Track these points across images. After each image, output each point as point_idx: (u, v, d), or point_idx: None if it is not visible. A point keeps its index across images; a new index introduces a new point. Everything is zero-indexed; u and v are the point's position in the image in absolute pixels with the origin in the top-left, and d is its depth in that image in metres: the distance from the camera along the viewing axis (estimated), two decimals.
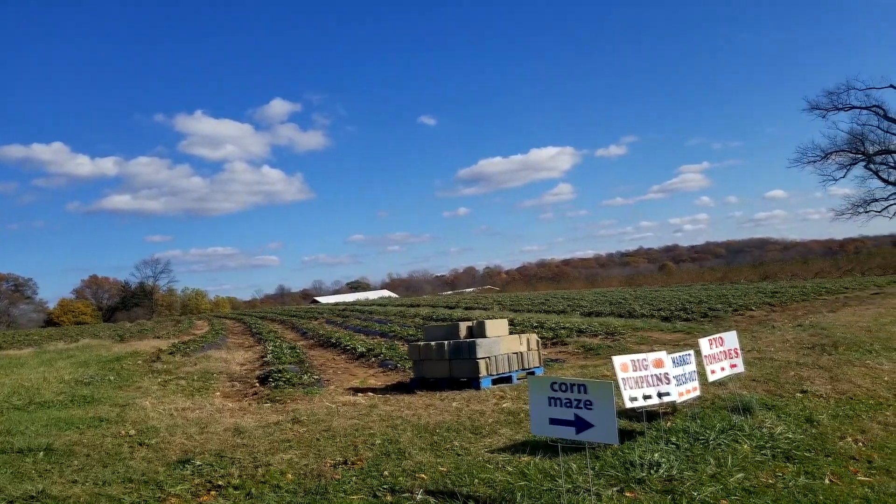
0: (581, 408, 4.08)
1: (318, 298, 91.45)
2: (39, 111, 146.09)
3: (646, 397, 5.18)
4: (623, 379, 5.11)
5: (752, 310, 18.77)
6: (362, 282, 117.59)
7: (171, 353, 16.76)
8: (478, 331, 9.29)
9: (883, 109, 45.51)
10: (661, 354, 5.43)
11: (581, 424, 4.09)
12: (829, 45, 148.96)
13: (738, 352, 6.25)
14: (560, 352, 13.23)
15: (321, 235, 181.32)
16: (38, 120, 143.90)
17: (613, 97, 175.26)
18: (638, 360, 5.24)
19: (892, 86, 45.14)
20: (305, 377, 10.63)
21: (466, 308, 32.42)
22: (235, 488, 4.73)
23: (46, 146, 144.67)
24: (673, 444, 5.14)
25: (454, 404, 7.37)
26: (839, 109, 46.77)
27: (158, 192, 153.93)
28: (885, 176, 46.54)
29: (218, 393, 10.29)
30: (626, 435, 5.38)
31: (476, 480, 4.55)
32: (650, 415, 5.83)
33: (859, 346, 9.43)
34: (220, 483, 4.86)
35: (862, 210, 47.20)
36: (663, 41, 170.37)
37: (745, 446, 5.09)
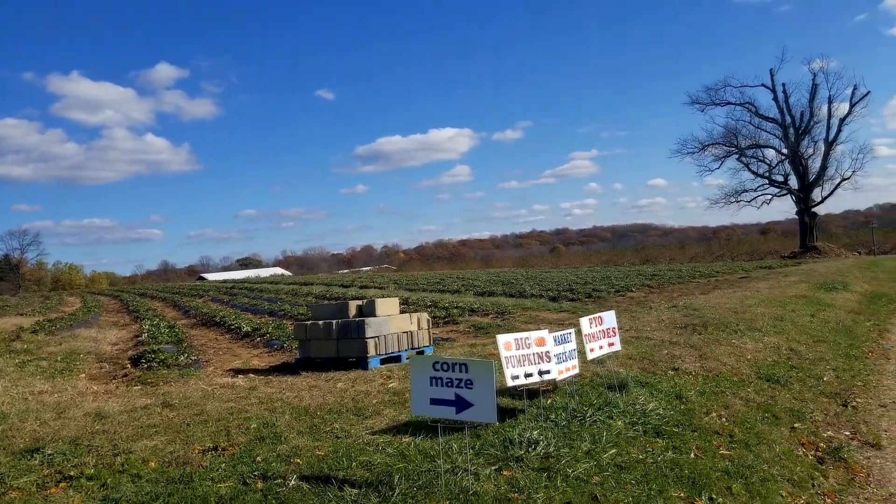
0: (462, 387, 4.02)
1: (204, 275, 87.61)
2: None
3: (527, 375, 5.22)
4: (506, 357, 5.11)
5: (633, 291, 19.74)
6: (254, 259, 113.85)
7: (33, 332, 15.42)
8: (368, 310, 9.10)
9: (755, 106, 49.27)
10: (544, 333, 5.49)
11: (461, 404, 4.03)
12: (710, 46, 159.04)
13: (616, 331, 6.46)
14: (452, 331, 13.29)
15: (209, 209, 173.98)
16: None
17: (511, 82, 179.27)
18: (521, 339, 5.26)
19: (763, 85, 48.85)
20: (182, 358, 10.05)
21: (362, 287, 32.09)
22: (89, 479, 4.32)
23: None
24: (552, 421, 5.22)
25: (339, 385, 7.17)
26: (716, 105, 50.19)
27: (27, 158, 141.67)
28: (754, 169, 50.50)
29: (83, 375, 9.52)
30: (507, 413, 5.42)
31: (354, 464, 4.41)
32: (532, 392, 5.91)
33: (726, 327, 10.08)
34: (71, 473, 4.43)
35: (733, 200, 51.06)
36: (559, 30, 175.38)
37: (619, 423, 5.25)
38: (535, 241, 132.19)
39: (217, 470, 4.37)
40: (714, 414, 5.77)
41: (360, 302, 9.39)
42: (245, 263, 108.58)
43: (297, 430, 5.25)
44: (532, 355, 5.30)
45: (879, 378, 8.37)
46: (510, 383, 5.13)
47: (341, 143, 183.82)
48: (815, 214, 49.17)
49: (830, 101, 46.82)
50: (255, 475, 4.24)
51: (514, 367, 5.13)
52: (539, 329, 6.11)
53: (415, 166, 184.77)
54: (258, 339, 12.95)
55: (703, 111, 51.39)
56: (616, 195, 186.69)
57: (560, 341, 5.68)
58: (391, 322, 8.82)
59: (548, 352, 5.42)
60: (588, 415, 5.35)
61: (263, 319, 16.98)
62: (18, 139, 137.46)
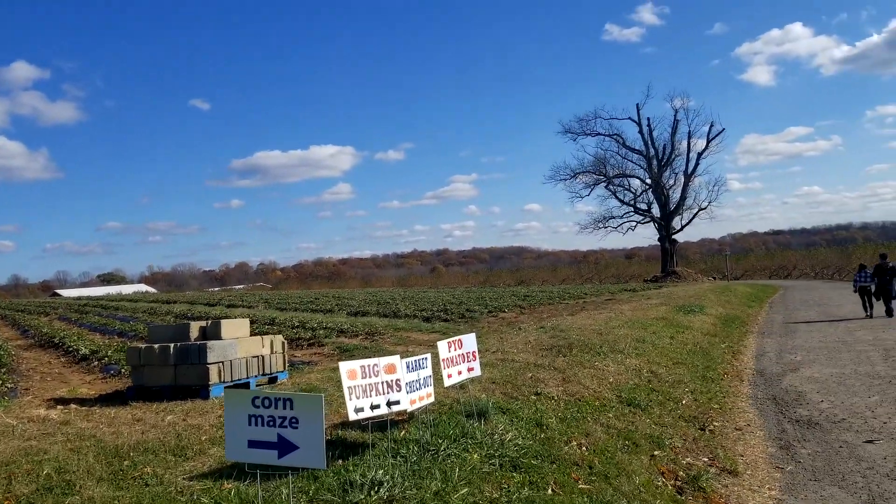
0: (286, 426, 3.43)
1: (60, 291, 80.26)
2: None
3: (374, 407, 4.69)
4: (350, 387, 4.56)
5: (505, 312, 19.82)
6: (117, 274, 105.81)
7: None
8: (212, 332, 8.21)
9: (622, 138, 52.37)
10: (395, 359, 4.99)
11: (285, 447, 3.44)
12: (584, 78, 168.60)
13: (476, 355, 6.09)
14: (315, 353, 12.54)
15: (69, 220, 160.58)
16: None
17: (394, 103, 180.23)
18: (368, 367, 4.73)
19: (630, 118, 52.04)
20: None
21: (229, 306, 30.34)
22: None
23: None
24: (402, 456, 4.71)
25: (169, 418, 6.28)
26: (587, 135, 52.87)
27: None
28: (621, 197, 53.46)
29: None
30: (353, 449, 4.86)
31: None
32: (384, 424, 5.38)
33: (591, 349, 10.07)
34: None
35: (601, 226, 53.73)
36: (442, 55, 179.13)
37: (475, 456, 4.83)
38: (417, 261, 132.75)
39: None
40: (574, 443, 5.51)
41: (203, 323, 8.47)
42: (107, 279, 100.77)
43: (98, 477, 4.39)
44: (381, 384, 4.78)
45: (734, 400, 8.60)
46: (353, 417, 4.58)
47: (216, 156, 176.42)
48: (675, 241, 52.69)
49: (690, 136, 50.73)
50: None
51: (358, 398, 4.58)
52: (409, 351, 5.62)
53: (295, 182, 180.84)
54: (95, 363, 11.55)
55: (574, 140, 54.02)
56: (494, 218, 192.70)
57: (414, 367, 5.21)
58: (239, 345, 7.99)
59: (398, 380, 4.92)
60: (442, 448, 4.89)
61: (109, 341, 15.35)
62: None
